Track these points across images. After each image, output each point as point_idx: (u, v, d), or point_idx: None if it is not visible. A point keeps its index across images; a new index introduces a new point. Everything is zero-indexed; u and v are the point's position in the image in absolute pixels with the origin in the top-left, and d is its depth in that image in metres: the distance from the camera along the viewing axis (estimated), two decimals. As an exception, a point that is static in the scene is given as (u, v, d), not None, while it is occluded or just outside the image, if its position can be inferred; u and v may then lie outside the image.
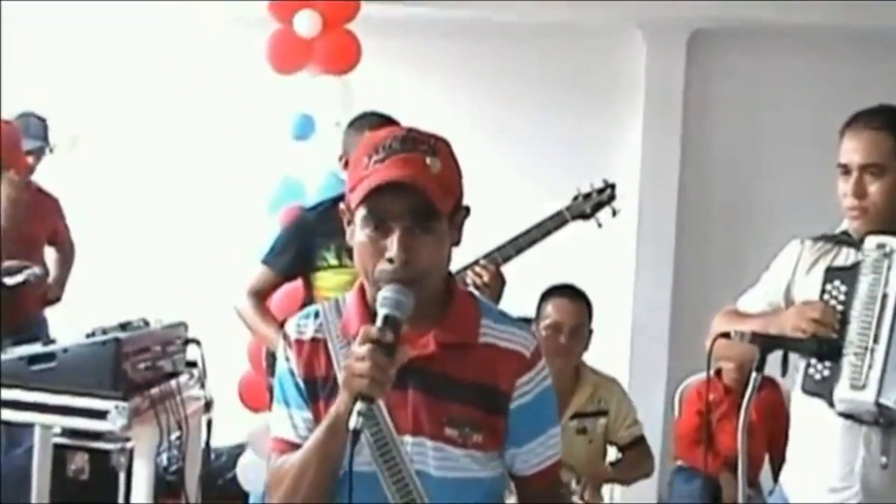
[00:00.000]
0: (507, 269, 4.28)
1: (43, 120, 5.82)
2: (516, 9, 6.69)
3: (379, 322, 2.02)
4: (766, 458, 5.24)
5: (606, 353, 4.77)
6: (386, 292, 2.04)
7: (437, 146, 2.11)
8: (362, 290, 2.20)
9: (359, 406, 1.94)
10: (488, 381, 2.15)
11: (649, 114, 6.96)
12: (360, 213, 2.09)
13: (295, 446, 2.17)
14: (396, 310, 2.02)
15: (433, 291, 2.15)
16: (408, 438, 2.12)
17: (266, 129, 6.02)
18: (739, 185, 7.09)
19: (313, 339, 2.21)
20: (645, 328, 6.88)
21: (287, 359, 2.22)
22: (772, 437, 5.00)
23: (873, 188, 2.95)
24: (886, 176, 2.95)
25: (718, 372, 5.29)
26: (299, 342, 2.22)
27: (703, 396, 5.17)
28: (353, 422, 1.93)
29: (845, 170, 3.00)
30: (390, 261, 2.05)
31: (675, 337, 6.80)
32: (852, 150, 2.98)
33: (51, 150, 6.12)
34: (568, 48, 7.06)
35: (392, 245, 2.05)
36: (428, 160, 2.07)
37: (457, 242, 2.20)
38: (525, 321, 4.26)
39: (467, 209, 2.21)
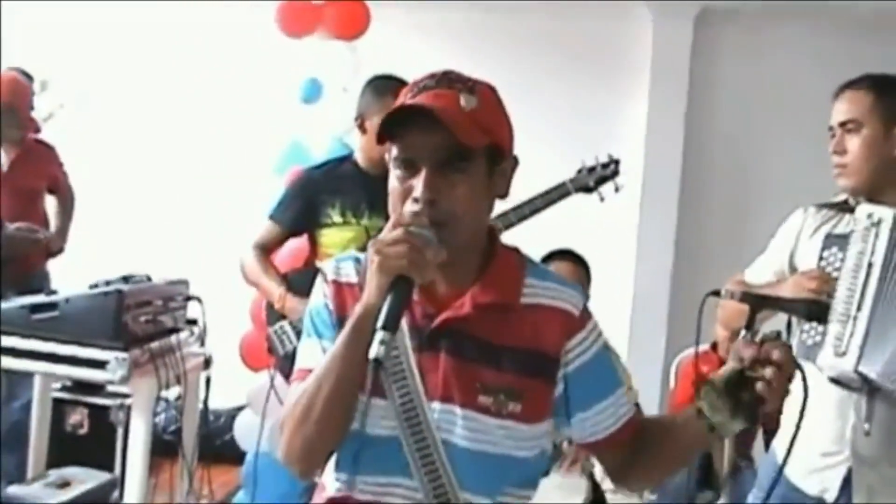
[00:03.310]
0: (510, 240, 4.28)
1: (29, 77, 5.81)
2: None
3: (412, 210, 1.92)
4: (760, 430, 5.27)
5: (606, 324, 4.77)
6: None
7: (476, 87, 1.99)
8: None
9: (381, 335, 1.79)
10: (531, 344, 2.00)
11: (655, 89, 6.99)
12: (392, 152, 1.97)
13: None
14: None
15: (469, 243, 2.01)
16: (436, 405, 1.96)
17: (274, 93, 6.03)
18: (743, 161, 7.12)
19: (350, 284, 2.08)
20: (645, 300, 6.92)
21: (324, 294, 2.09)
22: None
23: (851, 144, 3.02)
24: (863, 131, 3.01)
25: (714, 345, 5.29)
26: (336, 283, 2.09)
27: (698, 368, 5.17)
28: (375, 350, 1.78)
29: (832, 132, 3.08)
30: (416, 200, 1.92)
31: (674, 310, 6.84)
32: (835, 112, 3.07)
33: (61, 107, 6.14)
34: (575, 22, 7.06)
35: (418, 184, 1.92)
36: (462, 97, 1.94)
37: (503, 195, 2.07)
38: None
39: (516, 159, 2.08)
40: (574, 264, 4.40)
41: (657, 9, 6.96)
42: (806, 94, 6.69)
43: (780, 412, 3.27)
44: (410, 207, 1.93)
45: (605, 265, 4.93)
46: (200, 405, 4.64)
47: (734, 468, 4.88)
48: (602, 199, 4.41)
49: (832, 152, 3.06)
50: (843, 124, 3.04)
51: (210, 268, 5.25)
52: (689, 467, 5.10)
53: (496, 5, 6.98)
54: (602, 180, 4.38)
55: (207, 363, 4.56)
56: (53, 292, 4.13)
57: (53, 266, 5.86)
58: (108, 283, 4.01)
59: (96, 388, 5.42)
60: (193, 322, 4.53)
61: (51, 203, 5.96)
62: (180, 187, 7.24)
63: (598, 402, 2.07)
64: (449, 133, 1.89)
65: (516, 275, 2.06)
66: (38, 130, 5.90)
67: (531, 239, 4.44)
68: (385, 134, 1.96)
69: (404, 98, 1.98)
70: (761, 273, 3.19)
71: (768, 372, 1.91)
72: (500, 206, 4.20)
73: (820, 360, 2.87)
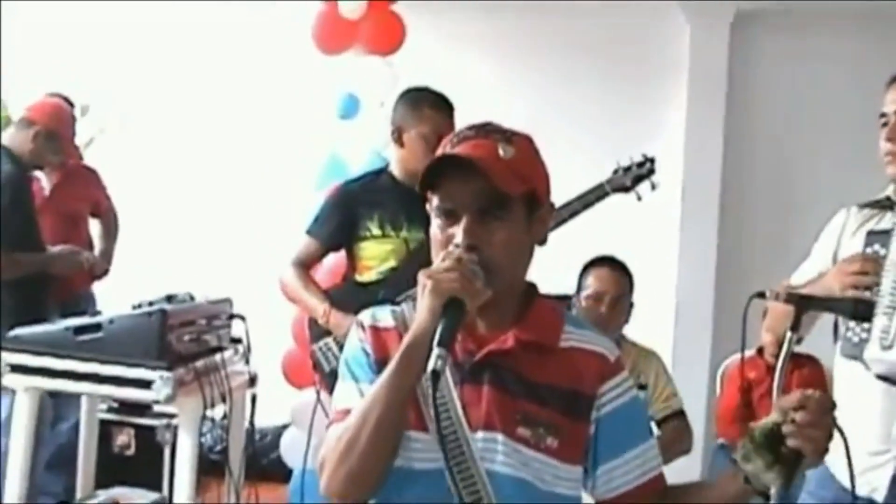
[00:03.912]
0: (551, 246, 4.27)
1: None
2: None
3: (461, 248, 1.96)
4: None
5: (650, 330, 4.75)
6: None
7: (513, 137, 2.03)
8: None
9: (438, 351, 1.82)
10: (569, 384, 2.03)
11: (693, 92, 6.96)
12: (433, 202, 2.02)
13: None
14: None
15: (509, 289, 2.05)
16: (479, 435, 1.97)
17: (312, 109, 6.04)
18: (783, 165, 7.07)
19: (387, 329, 2.11)
20: (689, 307, 6.87)
21: (360, 339, 2.11)
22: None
23: None
24: None
25: (760, 350, 5.26)
26: (374, 328, 2.12)
27: (744, 374, 5.14)
28: (433, 363, 1.81)
29: (885, 119, 3.00)
30: (457, 247, 1.96)
31: (718, 315, 6.79)
32: (891, 100, 2.99)
33: (102, 131, 6.18)
34: (611, 27, 7.06)
35: (459, 232, 1.97)
36: (500, 146, 1.99)
37: (542, 242, 2.10)
38: (565, 297, 4.29)
39: (553, 206, 2.13)
40: (616, 271, 4.38)
41: (694, 12, 6.94)
42: (845, 95, 6.69)
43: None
44: (454, 249, 1.97)
45: (648, 271, 4.90)
46: (247, 423, 4.64)
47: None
48: (640, 199, 4.40)
49: (886, 139, 2.98)
50: None
51: (253, 285, 5.26)
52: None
53: (530, 13, 6.98)
54: (638, 179, 4.38)
55: (252, 381, 4.55)
56: (98, 314, 4.14)
57: (99, 288, 5.90)
58: (151, 303, 4.01)
59: (142, 409, 5.44)
60: (237, 340, 4.52)
61: (95, 226, 5.99)
62: (222, 206, 7.27)
63: (627, 451, 2.06)
64: (488, 181, 1.93)
65: (556, 320, 2.11)
66: (80, 157, 5.96)
67: (572, 246, 4.45)
68: (426, 184, 2.01)
69: (443, 149, 2.03)
70: (807, 277, 3.14)
71: (805, 427, 1.90)
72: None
73: (867, 355, 2.83)
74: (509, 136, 2.02)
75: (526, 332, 2.03)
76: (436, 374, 1.80)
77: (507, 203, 1.97)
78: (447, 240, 1.99)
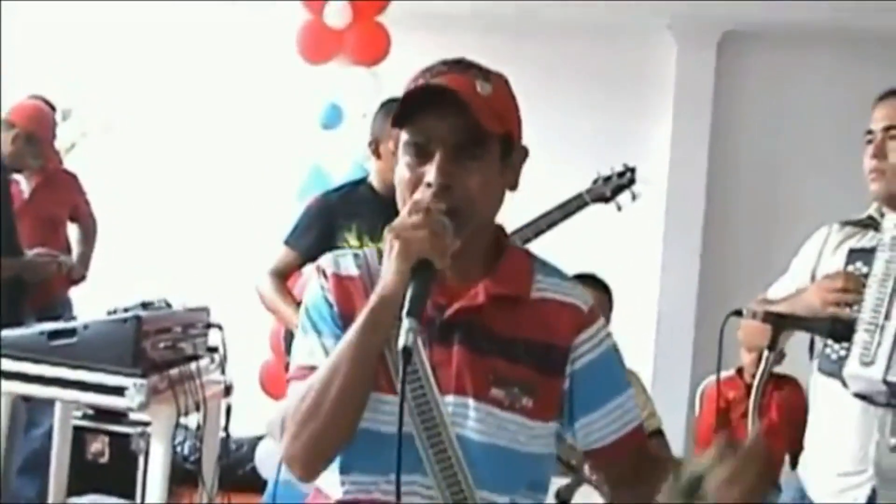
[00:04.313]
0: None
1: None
2: (545, 7, 6.69)
3: (430, 193, 1.85)
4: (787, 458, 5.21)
5: (630, 346, 4.72)
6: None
7: (490, 74, 1.92)
8: None
9: (408, 322, 1.71)
10: (542, 337, 1.93)
11: (679, 112, 7.00)
12: (402, 138, 1.90)
13: None
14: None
15: (480, 236, 1.95)
16: (449, 398, 1.88)
17: (295, 118, 6.03)
18: (767, 184, 7.10)
19: (350, 277, 1.99)
20: (670, 323, 6.89)
21: (322, 287, 1.98)
22: (792, 436, 4.95)
23: (892, 149, 2.94)
24: None
25: (740, 370, 5.25)
26: (336, 276, 1.99)
27: (721, 393, 5.12)
28: (403, 339, 1.69)
29: (871, 137, 3.00)
30: (429, 185, 1.85)
31: (700, 332, 6.79)
32: (878, 118, 2.99)
33: (84, 136, 6.15)
34: (599, 47, 7.09)
35: (432, 170, 1.86)
36: (479, 82, 1.87)
37: (513, 186, 1.99)
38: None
39: (526, 151, 2.01)
40: (594, 290, 4.34)
41: (681, 33, 6.97)
42: (829, 114, 6.73)
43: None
44: (424, 193, 1.86)
45: (630, 286, 4.89)
46: (221, 433, 4.60)
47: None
48: (619, 209, 4.37)
49: (871, 156, 2.97)
50: (886, 129, 2.96)
51: (232, 294, 5.23)
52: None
53: (518, 30, 6.98)
54: (618, 189, 4.35)
55: (228, 390, 4.51)
56: (74, 319, 4.11)
57: (77, 294, 5.86)
58: (126, 309, 3.98)
59: (117, 416, 5.40)
60: (214, 349, 4.49)
61: (73, 231, 5.95)
62: (202, 214, 7.25)
63: (605, 404, 1.99)
64: (465, 117, 1.83)
65: (527, 269, 2.01)
66: (60, 161, 5.92)
67: (555, 259, 4.44)
68: (400, 117, 1.90)
69: (415, 83, 1.91)
70: (784, 292, 3.12)
71: (721, 489, 1.79)
72: (516, 222, 4.22)
73: (846, 371, 2.81)
74: (486, 73, 1.92)
75: (497, 284, 1.94)
76: (407, 351, 1.69)
77: (484, 141, 1.87)
78: (418, 179, 1.88)
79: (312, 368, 1.90)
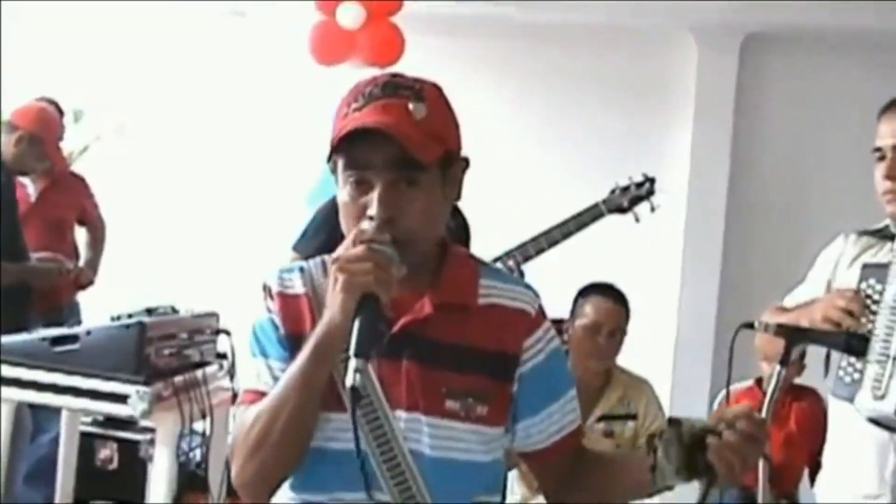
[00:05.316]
0: (551, 268, 4.18)
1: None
2: (566, 9, 6.61)
3: (375, 224, 1.82)
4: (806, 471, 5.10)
5: (648, 361, 4.66)
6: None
7: (423, 91, 1.89)
8: None
9: (356, 363, 1.70)
10: (492, 344, 1.93)
11: (700, 117, 6.93)
12: (340, 169, 1.89)
13: None
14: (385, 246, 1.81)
15: (425, 252, 1.95)
16: (401, 414, 1.88)
17: (308, 121, 5.97)
18: (789, 191, 7.02)
19: (296, 296, 1.97)
20: (690, 334, 6.81)
21: (268, 310, 1.98)
22: (811, 448, 4.86)
23: None
24: None
25: (759, 381, 5.16)
26: (283, 295, 1.98)
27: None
28: (351, 379, 1.69)
29: (881, 154, 2.87)
30: (371, 219, 1.84)
31: (720, 344, 6.67)
32: (887, 134, 2.87)
33: (97, 138, 6.10)
34: (620, 51, 7.05)
35: (373, 202, 1.84)
36: (411, 106, 1.85)
37: (455, 198, 1.99)
38: (558, 322, 4.19)
39: (466, 161, 1.98)
40: (615, 301, 4.27)
41: (702, 37, 6.90)
42: (852, 121, 6.63)
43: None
44: (367, 226, 1.83)
45: (648, 299, 4.81)
46: (230, 440, 4.52)
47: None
48: (637, 220, 4.29)
49: (885, 177, 2.85)
50: None
51: (243, 300, 5.15)
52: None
53: (536, 34, 6.92)
54: (636, 200, 4.27)
55: (236, 397, 4.43)
56: (78, 323, 4.05)
57: (86, 298, 5.81)
58: (130, 315, 3.93)
59: (127, 423, 5.32)
60: (223, 356, 4.42)
61: (81, 235, 5.90)
62: (215, 218, 7.22)
63: (547, 406, 2.00)
64: (401, 146, 1.81)
65: (472, 276, 2.01)
66: (67, 164, 5.87)
67: (572, 273, 4.35)
68: (335, 151, 1.88)
69: (349, 108, 1.89)
70: (800, 301, 3.02)
71: (726, 448, 1.77)
72: (531, 230, 4.13)
73: (858, 403, 2.72)
74: (419, 90, 1.89)
75: (442, 294, 1.93)
76: (355, 391, 1.70)
77: (422, 167, 1.85)
78: (360, 210, 1.86)
79: (261, 394, 1.90)
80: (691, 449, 1.79)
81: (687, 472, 1.80)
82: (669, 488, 1.88)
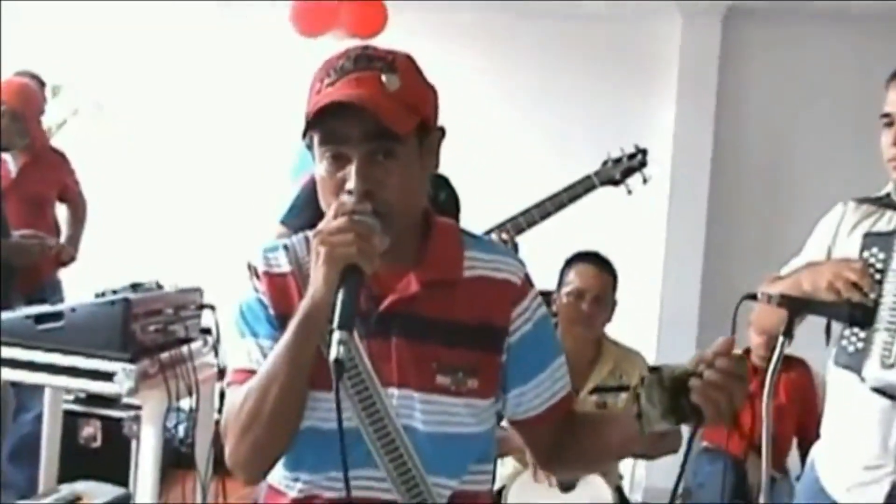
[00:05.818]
0: (537, 242, 4.16)
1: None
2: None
3: (354, 198, 1.81)
4: (795, 441, 5.11)
5: (634, 330, 4.64)
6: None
7: (395, 62, 1.88)
8: None
9: (339, 335, 1.68)
10: (480, 317, 1.94)
11: (683, 88, 6.90)
12: (316, 144, 1.88)
13: None
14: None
15: (408, 226, 1.94)
16: (393, 391, 1.89)
17: (290, 93, 5.91)
18: (773, 162, 7.02)
19: (283, 274, 1.97)
20: (674, 305, 6.81)
21: (255, 289, 1.97)
22: (801, 419, 4.87)
23: None
24: None
25: (747, 351, 5.15)
26: (268, 274, 1.97)
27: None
28: (335, 352, 1.67)
29: (889, 120, 2.81)
30: (349, 193, 1.82)
31: (704, 314, 6.72)
32: (895, 101, 2.80)
33: (75, 113, 6.04)
34: (603, 23, 7.00)
35: (350, 175, 1.83)
36: (384, 77, 1.84)
37: (433, 168, 1.99)
38: (546, 294, 4.16)
39: (442, 130, 1.98)
40: (599, 267, 4.24)
41: (686, 8, 6.85)
42: (836, 93, 6.66)
43: (815, 426, 3.10)
44: (347, 199, 1.82)
45: (633, 269, 4.80)
46: (216, 416, 4.50)
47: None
48: (629, 192, 4.27)
49: (892, 143, 2.78)
50: None
51: (227, 274, 5.12)
52: (723, 481, 4.95)
53: (518, 6, 6.86)
54: (629, 172, 4.26)
55: (222, 373, 4.40)
56: (62, 302, 4.00)
57: (67, 275, 5.76)
58: (115, 291, 3.88)
59: (110, 401, 5.31)
60: (207, 331, 4.39)
61: (62, 211, 5.84)
62: (195, 193, 7.20)
63: (537, 374, 2.02)
64: (376, 118, 1.80)
65: (457, 249, 2.01)
66: (47, 140, 5.81)
67: (557, 242, 4.33)
68: (310, 125, 1.86)
69: (322, 84, 1.87)
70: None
71: (709, 387, 1.75)
72: (523, 203, 4.11)
73: (865, 372, 2.68)
74: (391, 62, 1.88)
75: (428, 270, 1.94)
76: (339, 363, 1.67)
77: (398, 138, 1.84)
78: (338, 185, 1.85)
79: (251, 372, 1.90)
80: (674, 392, 1.78)
81: (673, 416, 1.79)
82: (663, 440, 1.88)
